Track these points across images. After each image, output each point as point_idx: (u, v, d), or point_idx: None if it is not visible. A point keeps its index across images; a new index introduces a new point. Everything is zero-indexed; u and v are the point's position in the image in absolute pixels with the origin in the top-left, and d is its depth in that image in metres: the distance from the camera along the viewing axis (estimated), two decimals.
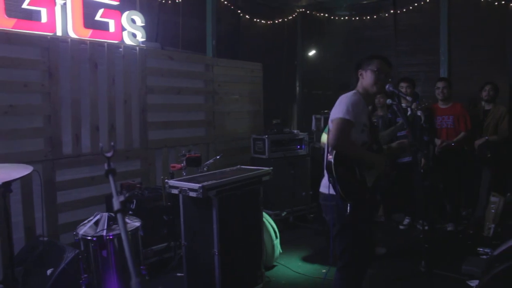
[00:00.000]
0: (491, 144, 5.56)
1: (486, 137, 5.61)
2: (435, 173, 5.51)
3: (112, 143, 1.69)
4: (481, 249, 4.82)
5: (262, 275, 4.17)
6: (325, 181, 3.05)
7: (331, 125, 2.97)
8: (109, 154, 1.44)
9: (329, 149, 2.92)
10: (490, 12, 6.63)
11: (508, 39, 6.46)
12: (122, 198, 1.28)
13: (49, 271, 3.45)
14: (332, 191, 2.91)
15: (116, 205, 1.26)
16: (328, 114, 3.19)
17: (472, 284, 4.03)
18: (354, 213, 2.87)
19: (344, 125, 2.84)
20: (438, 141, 5.60)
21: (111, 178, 1.36)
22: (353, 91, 3.08)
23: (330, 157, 2.87)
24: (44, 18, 4.37)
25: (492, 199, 5.39)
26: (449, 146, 5.53)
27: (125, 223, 1.20)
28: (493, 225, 5.32)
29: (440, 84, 5.69)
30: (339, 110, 2.89)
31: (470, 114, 5.71)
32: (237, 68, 6.85)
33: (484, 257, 4.63)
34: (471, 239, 5.34)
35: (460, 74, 6.93)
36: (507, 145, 5.62)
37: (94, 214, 3.49)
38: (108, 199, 4.63)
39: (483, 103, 5.84)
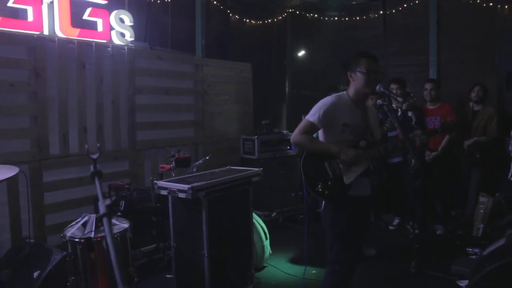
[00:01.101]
0: (480, 144, 5.59)
1: (475, 138, 5.63)
2: (424, 175, 5.51)
3: (98, 145, 1.65)
4: (470, 249, 4.84)
5: (252, 276, 4.15)
6: None
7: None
8: (95, 156, 1.41)
9: None
10: (479, 14, 6.66)
11: (497, 40, 6.50)
12: (108, 201, 1.24)
13: (36, 274, 3.40)
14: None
15: (102, 209, 1.22)
16: None
17: (461, 284, 4.03)
18: (331, 212, 3.04)
19: (304, 125, 3.08)
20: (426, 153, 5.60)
21: (97, 181, 1.33)
22: (338, 94, 3.15)
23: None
24: (30, 17, 4.31)
25: (481, 199, 5.40)
26: (437, 156, 5.54)
27: (111, 228, 1.16)
28: (482, 225, 5.32)
29: (428, 86, 5.71)
30: (309, 113, 3.10)
31: (458, 115, 5.73)
32: (227, 68, 6.82)
33: (474, 257, 4.63)
34: (460, 239, 5.36)
35: (449, 75, 6.96)
36: (496, 146, 5.65)
37: (82, 216, 3.44)
38: (96, 200, 4.57)
39: (471, 104, 5.86)
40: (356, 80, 3.07)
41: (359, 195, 3.07)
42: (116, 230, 3.39)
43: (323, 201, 3.06)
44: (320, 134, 3.18)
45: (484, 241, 4.95)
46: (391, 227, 5.97)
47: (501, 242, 3.78)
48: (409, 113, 5.09)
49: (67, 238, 3.23)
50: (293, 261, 4.89)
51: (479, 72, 6.59)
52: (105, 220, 1.19)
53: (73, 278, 3.22)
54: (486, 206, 5.34)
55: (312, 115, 3.05)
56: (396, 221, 5.99)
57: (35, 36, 4.33)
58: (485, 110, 5.71)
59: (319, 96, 3.15)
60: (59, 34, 4.51)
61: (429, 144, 5.58)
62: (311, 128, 3.09)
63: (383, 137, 4.92)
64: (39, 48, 4.34)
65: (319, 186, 2.99)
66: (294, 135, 3.11)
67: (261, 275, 4.50)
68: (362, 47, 7.65)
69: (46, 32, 4.43)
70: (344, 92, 3.17)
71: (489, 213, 5.32)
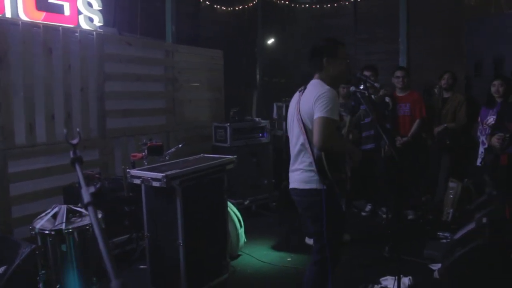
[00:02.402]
0: (450, 131, 5.68)
1: (445, 125, 5.72)
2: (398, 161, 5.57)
3: (78, 130, 1.57)
4: (440, 233, 4.94)
5: (227, 265, 4.12)
6: (303, 175, 2.95)
7: (307, 120, 2.88)
8: (75, 141, 1.33)
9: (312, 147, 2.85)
10: (448, 3, 6.77)
11: (465, 29, 6.61)
12: (92, 189, 1.17)
13: (2, 269, 3.26)
14: (318, 185, 2.86)
15: (86, 197, 1.15)
16: (289, 102, 3.13)
17: (434, 268, 4.12)
18: (337, 208, 2.90)
19: (331, 125, 2.76)
20: (397, 138, 5.59)
21: (77, 167, 1.25)
22: (326, 86, 2.90)
23: (317, 151, 2.79)
24: None
25: (451, 184, 5.52)
26: (408, 141, 5.57)
27: (97, 217, 1.09)
28: (451, 210, 5.45)
29: (399, 73, 5.75)
30: (322, 108, 2.76)
31: (426, 103, 5.80)
32: (198, 55, 6.71)
33: (444, 241, 4.74)
34: (431, 224, 5.47)
35: (418, 63, 7.06)
36: (465, 133, 5.77)
37: (52, 207, 3.32)
38: (66, 190, 4.43)
39: (436, 90, 5.94)
40: (336, 67, 2.97)
41: None
42: (88, 221, 3.28)
43: (344, 199, 2.91)
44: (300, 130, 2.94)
45: (454, 225, 5.07)
46: (363, 213, 6.03)
47: (471, 226, 3.89)
48: (387, 99, 5.09)
49: (37, 230, 3.11)
50: (268, 248, 4.88)
51: (447, 60, 6.71)
52: (90, 209, 1.11)
53: (43, 272, 3.11)
54: (455, 192, 5.47)
55: (332, 112, 2.76)
56: (368, 207, 6.06)
57: None
58: (454, 97, 5.80)
59: (290, 83, 3.05)
60: (23, 17, 4.31)
61: (400, 130, 5.64)
62: (336, 127, 2.87)
63: (355, 125, 4.94)
64: (1, 31, 4.12)
65: (345, 185, 2.90)
66: (327, 140, 2.73)
67: (236, 263, 4.47)
68: (333, 34, 7.62)
69: (8, 14, 4.22)
70: (321, 82, 2.97)
71: (458, 198, 5.45)
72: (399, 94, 5.78)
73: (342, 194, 2.87)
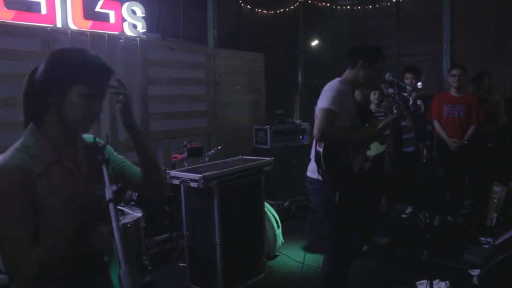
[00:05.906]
0: (490, 133, 5.51)
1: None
2: (437, 163, 5.45)
3: (106, 134, 1.73)
4: (483, 239, 4.82)
5: (264, 265, 4.20)
6: (312, 165, 3.13)
7: (316, 114, 3.02)
8: (101, 144, 1.48)
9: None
10: (493, 1, 6.58)
11: (511, 27, 6.41)
12: (114, 187, 1.29)
13: None
14: (317, 175, 3.00)
15: (108, 194, 1.27)
16: None
17: (473, 273, 4.03)
18: (340, 199, 2.98)
19: (328, 116, 2.88)
20: (449, 140, 5.33)
21: (104, 168, 1.38)
22: (338, 79, 3.09)
23: (319, 148, 2.91)
24: (43, 10, 4.36)
25: (495, 188, 5.35)
26: (463, 145, 5.33)
27: (117, 213, 1.20)
28: (495, 215, 5.29)
29: (455, 72, 5.37)
30: (324, 100, 2.93)
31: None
32: (238, 58, 6.83)
33: (486, 246, 4.63)
34: (473, 228, 5.33)
35: (463, 63, 6.88)
36: (507, 133, 5.58)
37: None
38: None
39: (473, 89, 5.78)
40: (367, 72, 3.07)
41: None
42: (129, 219, 3.45)
43: (337, 193, 2.97)
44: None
45: (497, 230, 4.93)
46: (403, 216, 5.96)
47: None
48: (418, 102, 5.01)
49: None
50: (305, 249, 4.92)
51: (493, 60, 6.51)
52: (111, 205, 1.23)
53: None
54: (499, 196, 5.31)
55: (332, 103, 2.88)
56: (408, 210, 5.98)
57: (48, 29, 4.37)
58: (492, 97, 5.63)
59: None
60: (72, 26, 4.55)
61: (449, 133, 5.39)
62: (336, 118, 2.90)
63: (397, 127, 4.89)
64: (52, 40, 4.38)
65: (342, 178, 2.96)
66: (322, 130, 2.84)
67: (273, 263, 4.54)
68: (375, 35, 7.62)
69: (59, 24, 4.47)
70: (341, 78, 3.12)
71: (503, 202, 5.28)
72: (454, 94, 5.40)
73: (334, 186, 2.94)
